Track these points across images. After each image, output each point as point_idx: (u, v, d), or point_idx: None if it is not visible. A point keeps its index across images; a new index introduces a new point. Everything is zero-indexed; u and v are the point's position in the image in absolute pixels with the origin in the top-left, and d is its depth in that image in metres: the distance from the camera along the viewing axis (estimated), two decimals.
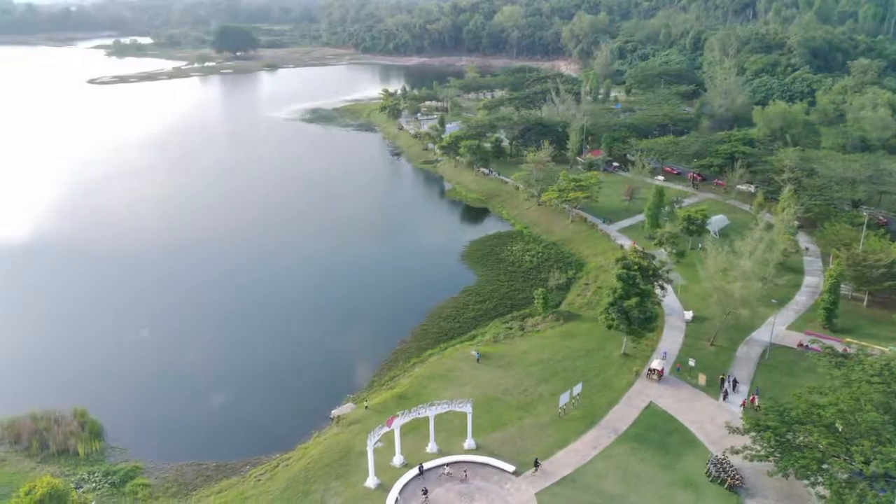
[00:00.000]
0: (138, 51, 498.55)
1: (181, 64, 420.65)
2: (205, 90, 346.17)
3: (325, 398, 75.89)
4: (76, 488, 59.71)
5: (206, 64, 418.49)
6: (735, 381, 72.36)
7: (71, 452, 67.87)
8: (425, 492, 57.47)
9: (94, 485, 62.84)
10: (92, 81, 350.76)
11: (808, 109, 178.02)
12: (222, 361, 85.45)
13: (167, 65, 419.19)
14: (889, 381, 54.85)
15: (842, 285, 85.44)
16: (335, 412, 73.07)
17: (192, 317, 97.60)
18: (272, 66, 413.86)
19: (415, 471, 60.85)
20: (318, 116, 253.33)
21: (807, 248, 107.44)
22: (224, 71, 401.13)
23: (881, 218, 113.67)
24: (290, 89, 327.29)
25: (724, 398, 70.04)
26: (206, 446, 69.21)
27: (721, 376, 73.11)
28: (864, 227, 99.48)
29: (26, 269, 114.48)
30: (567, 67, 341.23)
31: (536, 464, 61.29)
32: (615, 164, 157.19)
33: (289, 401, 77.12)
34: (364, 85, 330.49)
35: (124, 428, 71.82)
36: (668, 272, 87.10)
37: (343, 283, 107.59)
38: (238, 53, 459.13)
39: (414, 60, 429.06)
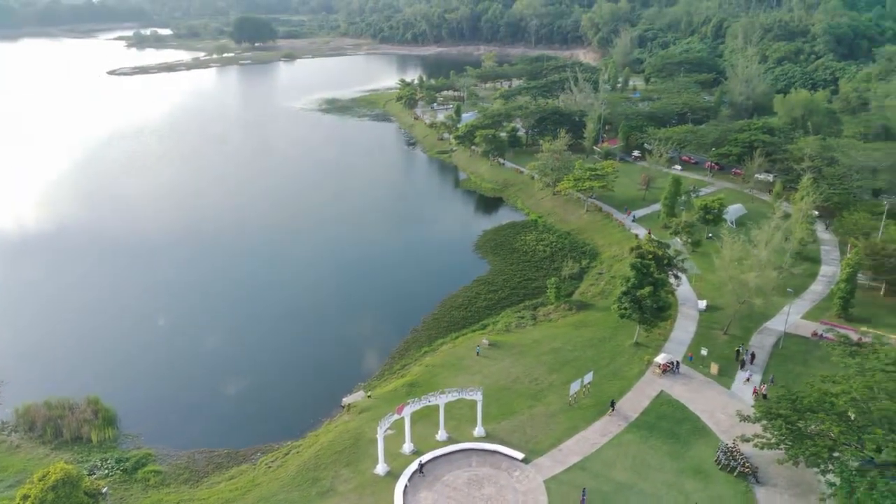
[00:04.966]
0: (158, 42, 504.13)
1: (200, 55, 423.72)
2: (223, 81, 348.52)
3: (336, 386, 76.25)
4: (89, 474, 60.59)
5: (225, 55, 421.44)
6: (753, 355, 73.78)
7: (84, 440, 68.74)
8: (421, 466, 58.71)
9: (106, 471, 63.63)
10: (112, 73, 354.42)
11: (830, 98, 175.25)
12: (234, 349, 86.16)
13: (187, 56, 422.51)
14: None
15: (859, 274, 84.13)
16: (346, 400, 73.46)
17: (203, 305, 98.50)
18: (290, 57, 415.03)
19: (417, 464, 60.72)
20: (335, 107, 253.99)
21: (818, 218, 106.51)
22: (242, 62, 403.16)
23: None
24: (307, 80, 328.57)
25: (742, 367, 72.07)
26: (218, 434, 69.83)
27: (737, 348, 74.74)
28: (884, 216, 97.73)
29: (39, 257, 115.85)
30: (586, 56, 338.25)
31: (612, 405, 66.22)
32: (636, 153, 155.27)
33: (300, 389, 77.67)
34: (381, 75, 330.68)
35: (137, 416, 72.62)
36: (682, 261, 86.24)
37: (356, 272, 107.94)
38: (256, 44, 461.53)
39: (431, 50, 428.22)
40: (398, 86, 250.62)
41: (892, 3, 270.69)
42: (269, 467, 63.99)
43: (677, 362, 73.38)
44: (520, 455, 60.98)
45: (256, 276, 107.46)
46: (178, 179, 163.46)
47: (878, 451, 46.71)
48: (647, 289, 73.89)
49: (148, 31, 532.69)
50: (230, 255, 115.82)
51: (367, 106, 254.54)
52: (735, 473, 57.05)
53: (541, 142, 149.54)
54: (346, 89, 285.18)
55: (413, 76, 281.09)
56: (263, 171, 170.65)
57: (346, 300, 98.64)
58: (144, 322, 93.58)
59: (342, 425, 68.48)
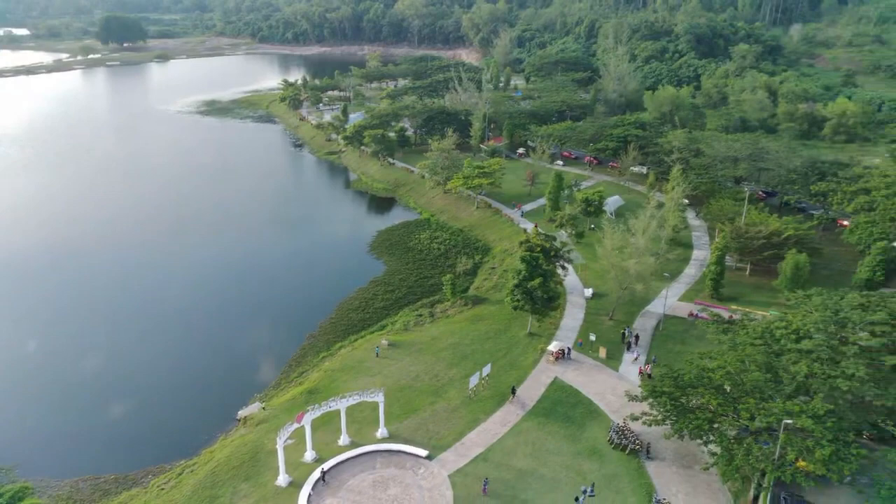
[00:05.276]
0: (13, 43, 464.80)
1: (63, 56, 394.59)
2: (90, 83, 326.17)
3: (230, 399, 73.52)
4: None
5: (91, 56, 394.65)
6: (637, 337, 78.06)
7: None
8: (323, 474, 58.21)
9: None
10: None
11: (694, 93, 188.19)
12: (118, 368, 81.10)
13: (47, 57, 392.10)
14: (770, 342, 59.06)
15: (727, 257, 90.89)
16: (242, 413, 70.99)
17: (83, 321, 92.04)
18: (163, 58, 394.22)
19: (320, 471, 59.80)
20: (215, 109, 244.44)
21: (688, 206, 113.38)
22: (110, 63, 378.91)
23: (761, 193, 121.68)
24: (183, 81, 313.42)
25: (628, 349, 76.27)
26: (104, 459, 65.64)
27: (622, 331, 79.26)
28: (746, 202, 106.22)
29: None
30: (468, 56, 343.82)
31: (514, 391, 68.26)
32: (521, 150, 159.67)
33: (192, 405, 74.25)
34: (262, 75, 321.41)
35: (11, 446, 67.01)
36: (568, 252, 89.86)
37: (247, 280, 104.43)
38: (125, 45, 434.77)
39: (314, 50, 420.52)
40: (281, 86, 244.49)
41: (742, 4, 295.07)
42: (162, 489, 60.90)
43: (569, 349, 76.48)
44: (423, 452, 61.42)
45: (137, 289, 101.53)
46: (45, 190, 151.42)
47: (752, 418, 50.80)
48: (537, 280, 76.58)
49: (1, 32, 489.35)
50: (108, 269, 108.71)
51: (249, 107, 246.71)
52: (627, 451, 60.28)
53: (429, 141, 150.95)
54: (225, 90, 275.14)
55: (296, 76, 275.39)
56: (139, 177, 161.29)
57: (237, 310, 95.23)
58: (13, 344, 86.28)
59: (239, 439, 66.19)
